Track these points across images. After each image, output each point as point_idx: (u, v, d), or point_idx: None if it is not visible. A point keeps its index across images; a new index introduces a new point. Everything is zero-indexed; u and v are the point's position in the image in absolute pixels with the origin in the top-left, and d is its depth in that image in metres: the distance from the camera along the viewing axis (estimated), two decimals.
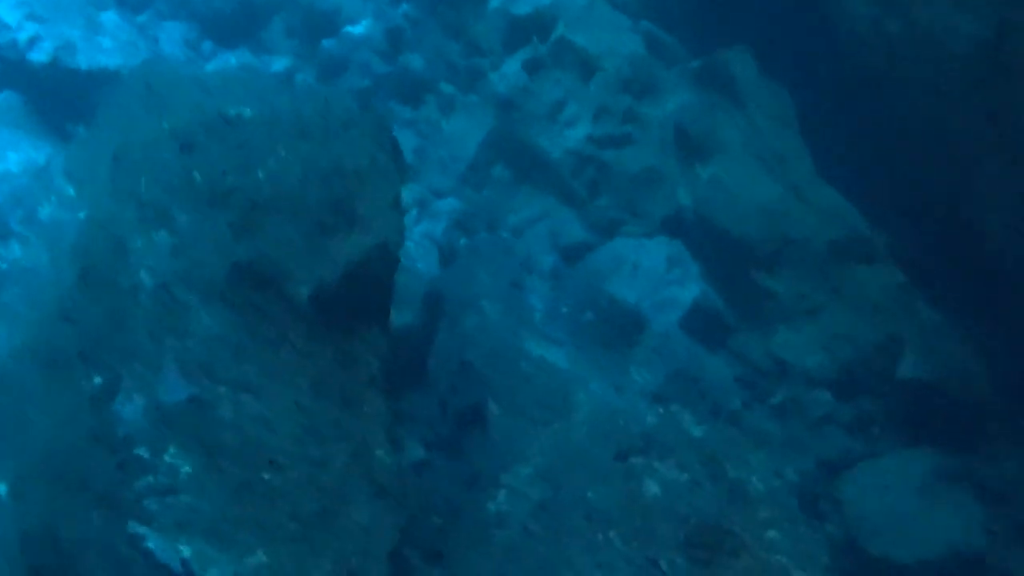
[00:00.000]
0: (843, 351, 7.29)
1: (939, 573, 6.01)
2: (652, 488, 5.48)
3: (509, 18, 8.99)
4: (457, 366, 6.86)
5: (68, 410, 5.27)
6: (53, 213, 7.07)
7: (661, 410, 5.93)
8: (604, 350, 6.93)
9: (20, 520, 5.35)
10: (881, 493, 6.28)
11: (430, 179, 8.91)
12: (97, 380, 5.08)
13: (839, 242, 7.45)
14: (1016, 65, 6.30)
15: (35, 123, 8.59)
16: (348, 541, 4.59)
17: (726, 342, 7.88)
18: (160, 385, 4.95)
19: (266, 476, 4.72)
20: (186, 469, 4.74)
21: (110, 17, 9.30)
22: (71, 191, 7.10)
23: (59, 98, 8.41)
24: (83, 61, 8.58)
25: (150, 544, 4.57)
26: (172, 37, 9.36)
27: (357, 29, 9.35)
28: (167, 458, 4.77)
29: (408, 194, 8.66)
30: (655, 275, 8.00)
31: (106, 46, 8.82)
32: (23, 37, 8.46)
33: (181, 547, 4.56)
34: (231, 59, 9.16)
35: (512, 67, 9.02)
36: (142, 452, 4.79)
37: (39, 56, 8.44)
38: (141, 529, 4.61)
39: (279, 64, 9.31)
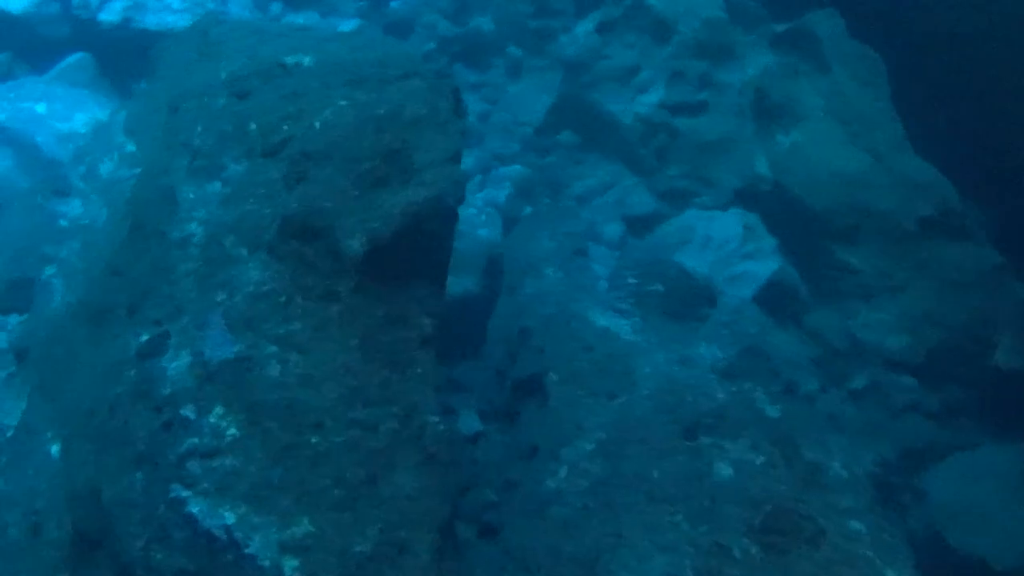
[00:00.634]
0: (930, 334, 6.85)
1: None
2: (722, 469, 5.13)
3: None
4: (516, 334, 6.57)
5: (114, 366, 5.08)
6: (113, 169, 6.93)
7: (733, 387, 5.56)
8: (671, 323, 6.58)
9: (68, 479, 5.20)
10: (971, 488, 5.85)
11: (494, 144, 8.64)
12: (144, 335, 4.87)
13: (928, 216, 7.00)
14: None
15: (103, 84, 8.54)
16: (395, 511, 4.32)
17: (802, 320, 7.49)
18: (207, 341, 4.72)
19: (312, 439, 4.47)
20: (231, 431, 4.51)
21: None
22: (131, 147, 6.94)
23: (128, 58, 8.35)
24: (152, 21, 8.55)
25: (193, 509, 4.35)
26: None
27: None
28: (212, 419, 4.54)
29: (471, 160, 8.43)
30: (728, 248, 7.62)
31: (175, 7, 8.76)
32: None
33: (225, 513, 4.33)
34: (298, 20, 9.01)
35: (584, 29, 8.68)
36: (187, 412, 4.57)
37: (109, 16, 8.44)
38: (184, 493, 4.39)
39: (346, 26, 9.15)
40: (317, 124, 5.12)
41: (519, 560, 5.29)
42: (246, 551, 4.21)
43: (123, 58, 8.48)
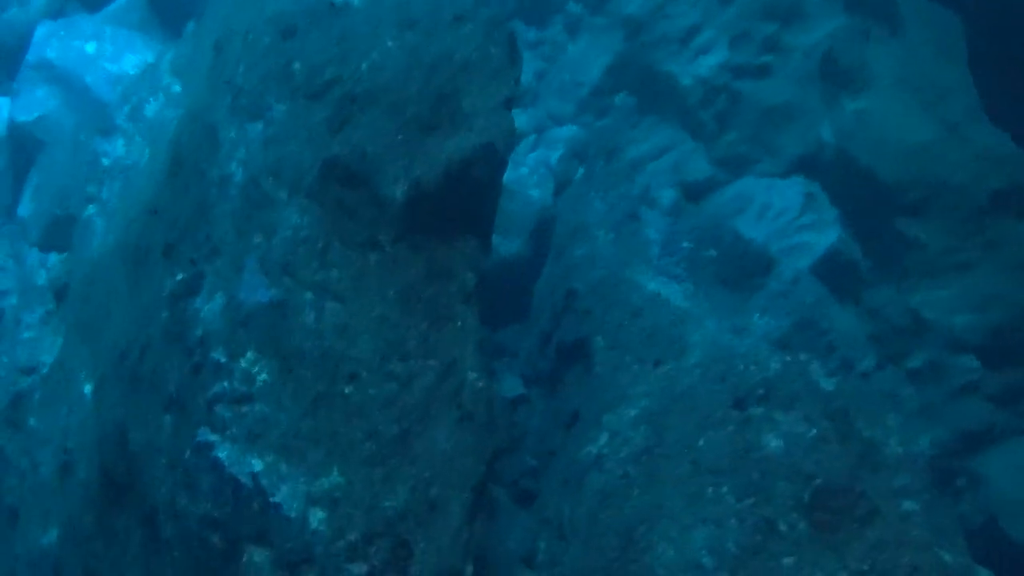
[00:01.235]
0: (995, 313, 6.51)
1: None
2: (772, 441, 4.88)
3: None
4: (562, 297, 6.34)
5: (147, 306, 4.97)
6: (159, 110, 6.81)
7: (787, 358, 5.29)
8: (724, 290, 6.31)
9: (98, 421, 5.10)
10: None
11: (549, 104, 8.39)
12: (179, 276, 4.72)
13: (1001, 191, 6.63)
14: None
15: (154, 25, 8.43)
16: (428, 468, 4.15)
17: (861, 295, 7.18)
18: (242, 284, 4.56)
19: (345, 390, 4.31)
20: (263, 376, 4.35)
21: None
22: (177, 87, 6.81)
23: (179, 1, 8.22)
24: None
25: (220, 454, 4.21)
26: None
27: None
28: (243, 363, 4.39)
29: (525, 118, 8.20)
30: (786, 217, 7.32)
31: None
32: None
33: (252, 460, 4.18)
34: None
35: None
36: (218, 356, 4.43)
37: None
38: (212, 437, 4.25)
39: None
40: (364, 66, 4.92)
41: (554, 527, 5.10)
42: (272, 500, 4.07)
43: (176, 1, 8.35)
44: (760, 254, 6.62)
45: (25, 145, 7.59)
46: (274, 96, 5.00)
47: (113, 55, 7.97)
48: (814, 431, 4.93)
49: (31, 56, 7.84)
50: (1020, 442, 5.97)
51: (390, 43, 4.98)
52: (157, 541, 4.33)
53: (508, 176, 7.54)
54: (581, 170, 7.90)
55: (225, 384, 4.31)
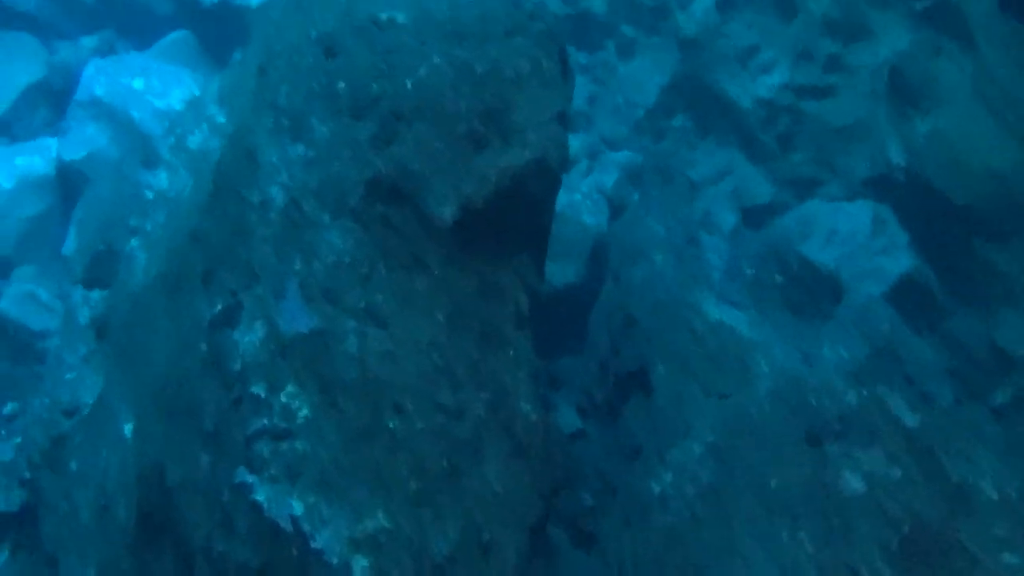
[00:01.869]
0: None
1: None
2: (852, 481, 4.49)
3: None
4: (621, 324, 6.02)
5: (186, 338, 4.73)
6: (203, 141, 6.64)
7: (864, 391, 4.91)
8: (792, 317, 5.95)
9: (136, 459, 4.87)
10: None
11: (603, 128, 8.14)
12: (217, 305, 4.49)
13: None
14: None
15: (204, 61, 8.36)
16: (480, 507, 3.83)
17: (938, 325, 6.76)
18: (282, 313, 4.30)
19: (390, 423, 4.01)
20: (304, 412, 4.09)
21: None
22: (221, 118, 6.64)
23: (228, 36, 8.13)
24: (255, 1, 8.33)
25: (258, 496, 3.93)
26: None
27: None
28: (284, 397, 4.13)
29: (578, 143, 7.95)
30: (855, 242, 6.94)
31: None
32: None
33: (292, 501, 3.90)
34: None
35: (702, 6, 8.09)
36: (258, 390, 4.17)
37: None
38: (250, 478, 3.98)
39: None
40: (409, 83, 4.69)
41: (617, 571, 4.74)
42: (313, 545, 3.77)
43: (225, 36, 8.27)
44: (829, 280, 6.26)
45: (75, 183, 7.50)
46: (317, 116, 4.78)
47: (161, 90, 7.90)
48: (898, 471, 4.54)
49: (80, 94, 7.80)
50: None
51: (437, 59, 4.74)
52: None
53: (561, 202, 7.28)
54: (636, 195, 7.60)
55: (264, 421, 4.05)
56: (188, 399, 4.38)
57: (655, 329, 5.77)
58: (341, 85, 4.85)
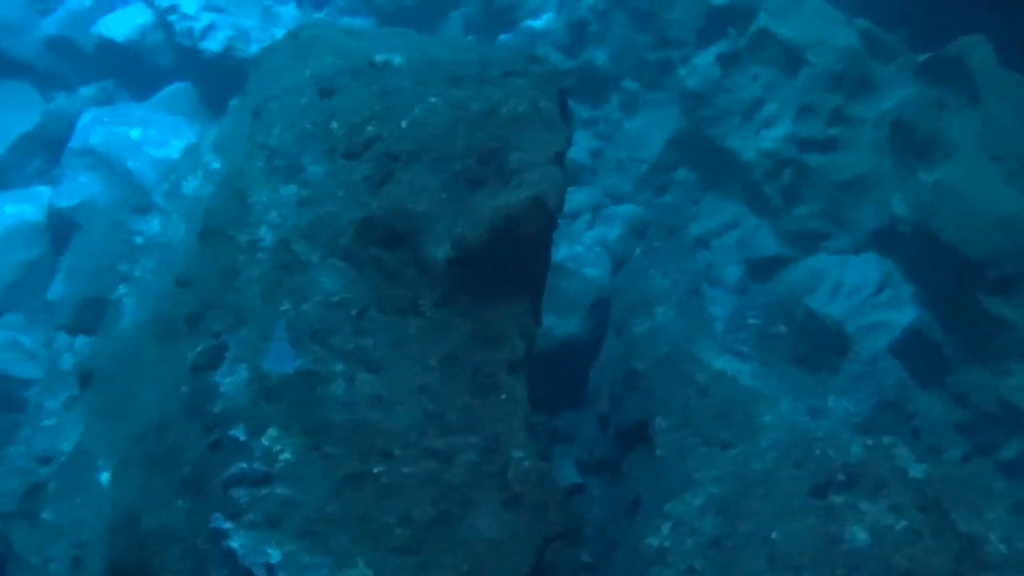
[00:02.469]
0: None
1: None
2: (858, 533, 4.32)
3: (705, 7, 8.05)
4: (622, 376, 5.87)
5: (169, 383, 4.58)
6: (197, 187, 6.56)
7: (870, 441, 4.75)
8: (797, 370, 5.80)
9: (113, 507, 4.68)
10: None
11: (606, 182, 8.07)
12: (199, 347, 4.35)
13: None
14: None
15: (204, 113, 8.32)
16: (469, 558, 3.65)
17: (944, 379, 6.61)
18: (267, 355, 4.17)
19: (376, 469, 3.85)
20: (285, 456, 3.93)
21: (288, 10, 9.07)
22: (216, 164, 6.56)
23: (230, 88, 8.08)
24: (255, 51, 8.27)
25: (234, 543, 3.76)
26: None
27: (538, 23, 8.66)
28: (265, 441, 3.97)
29: (582, 197, 7.90)
30: (861, 295, 6.83)
31: (279, 36, 8.44)
32: (199, 26, 8.26)
33: (269, 550, 3.72)
34: None
35: (705, 60, 8.07)
36: (238, 433, 4.02)
37: (212, 45, 8.28)
38: (225, 524, 3.80)
39: None
40: (405, 123, 4.61)
41: None
42: None
43: (226, 87, 8.23)
44: (835, 332, 6.12)
45: (66, 231, 7.40)
46: (310, 157, 4.69)
47: (159, 140, 7.83)
48: (904, 523, 4.37)
49: (74, 142, 7.72)
50: None
51: (433, 99, 4.66)
52: None
53: (563, 254, 7.21)
54: (639, 249, 7.50)
55: (243, 464, 3.89)
56: (168, 444, 4.23)
57: (657, 381, 5.62)
58: (335, 125, 4.77)
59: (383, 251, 4.28)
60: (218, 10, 8.60)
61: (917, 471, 4.66)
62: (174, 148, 7.72)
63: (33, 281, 7.18)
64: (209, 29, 8.37)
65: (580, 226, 7.78)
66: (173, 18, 8.19)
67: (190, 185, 6.63)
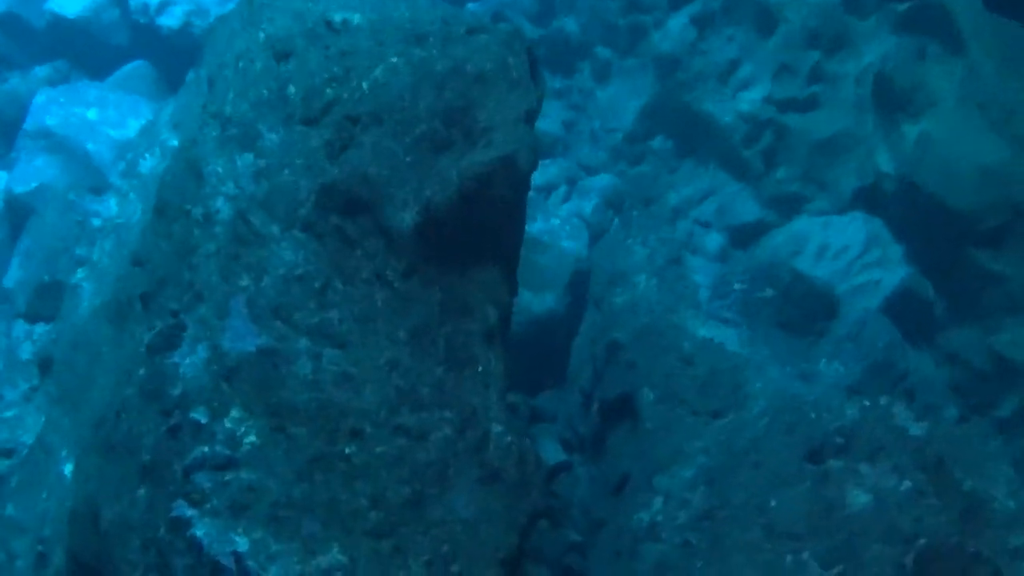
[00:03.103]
0: None
1: None
2: (859, 497, 4.12)
3: None
4: (604, 350, 5.64)
5: (126, 366, 4.32)
6: (155, 165, 6.27)
7: (866, 402, 4.55)
8: (785, 334, 5.60)
9: (73, 500, 4.44)
10: None
11: (580, 154, 7.84)
12: (156, 327, 4.08)
13: None
14: None
15: (163, 91, 8.02)
16: (446, 539, 3.43)
17: (936, 338, 6.42)
18: (227, 333, 3.91)
19: (347, 450, 3.62)
20: (250, 438, 3.69)
21: None
22: (174, 141, 6.27)
23: (189, 65, 7.76)
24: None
25: (198, 532, 3.52)
26: None
27: None
28: (228, 423, 3.73)
29: (556, 170, 7.68)
30: (847, 256, 6.65)
31: None
32: (155, 2, 7.93)
33: (236, 538, 3.48)
34: None
35: (678, 23, 7.82)
36: (198, 416, 3.77)
37: (169, 21, 7.98)
38: (188, 512, 3.56)
39: None
40: (365, 85, 4.35)
41: None
42: None
43: (185, 65, 7.91)
44: (823, 293, 5.92)
45: (24, 217, 7.10)
46: (267, 124, 4.42)
47: (117, 121, 7.53)
48: (907, 483, 4.17)
49: (29, 124, 7.41)
50: None
51: (395, 59, 4.40)
52: None
53: (539, 228, 6.96)
54: (617, 220, 7.26)
55: (205, 449, 3.64)
56: (125, 430, 3.98)
57: (640, 352, 5.41)
58: (292, 90, 4.51)
59: (345, 220, 4.03)
60: None
61: (917, 430, 4.47)
62: (133, 128, 7.43)
63: None
64: (166, 4, 8.07)
65: (555, 199, 7.54)
66: None
67: (147, 163, 6.35)
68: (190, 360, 3.94)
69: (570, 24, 8.21)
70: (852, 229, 6.72)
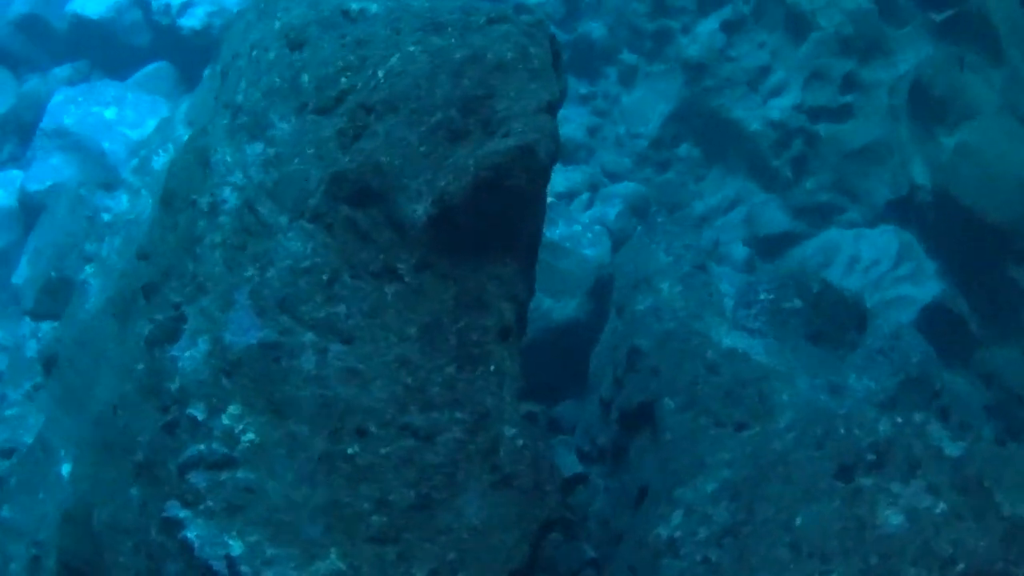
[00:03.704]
0: None
1: None
2: (892, 517, 3.89)
3: None
4: (625, 357, 5.43)
5: (127, 361, 4.15)
6: (167, 161, 6.12)
7: (899, 419, 4.31)
8: (813, 346, 5.36)
9: (67, 500, 4.27)
10: None
11: (604, 160, 7.66)
12: (157, 319, 3.92)
13: None
14: None
15: (183, 92, 7.94)
16: (454, 546, 3.22)
17: (971, 357, 6.18)
18: (229, 325, 3.74)
19: (350, 450, 3.42)
20: (249, 436, 3.50)
21: None
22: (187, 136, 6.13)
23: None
24: None
25: (190, 534, 3.33)
26: None
27: None
28: (225, 420, 3.55)
29: (579, 176, 7.51)
30: (879, 269, 6.44)
31: None
32: (177, 2, 7.86)
33: (230, 540, 3.29)
34: None
35: (707, 28, 7.64)
36: (196, 411, 3.59)
37: (190, 22, 7.91)
38: (182, 513, 3.37)
39: None
40: (381, 73, 4.18)
41: None
42: None
43: (205, 65, 7.81)
44: (854, 304, 5.68)
45: (38, 216, 7.00)
46: (278, 113, 4.26)
47: (135, 121, 7.45)
48: (943, 505, 3.92)
49: (46, 123, 7.35)
50: None
51: (412, 47, 4.24)
52: None
53: (561, 233, 6.77)
54: (640, 227, 7.08)
55: (201, 447, 3.45)
56: (121, 427, 3.80)
57: (662, 360, 5.19)
58: (305, 79, 4.35)
59: (356, 210, 3.85)
60: None
61: (953, 450, 4.21)
62: (151, 129, 7.33)
63: (6, 268, 6.81)
64: (187, 5, 8.00)
65: (578, 205, 7.37)
66: None
67: (161, 159, 6.22)
68: (190, 353, 3.77)
69: (596, 28, 8.06)
70: (884, 242, 6.52)
